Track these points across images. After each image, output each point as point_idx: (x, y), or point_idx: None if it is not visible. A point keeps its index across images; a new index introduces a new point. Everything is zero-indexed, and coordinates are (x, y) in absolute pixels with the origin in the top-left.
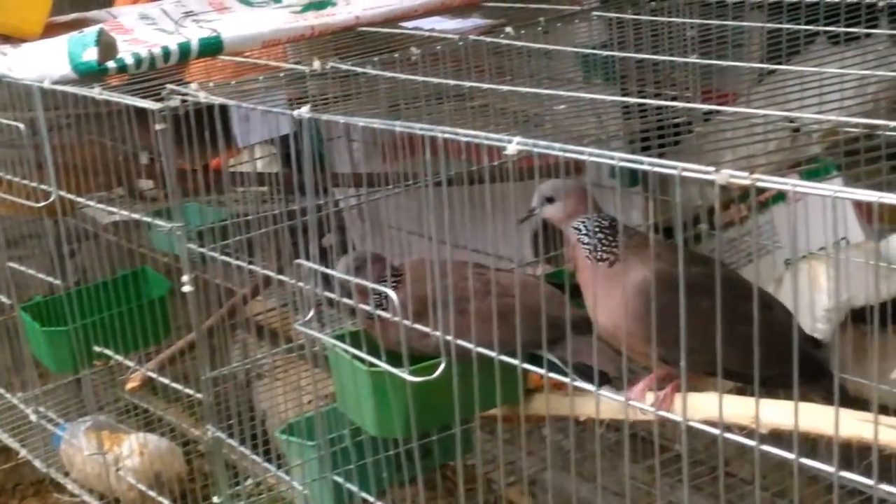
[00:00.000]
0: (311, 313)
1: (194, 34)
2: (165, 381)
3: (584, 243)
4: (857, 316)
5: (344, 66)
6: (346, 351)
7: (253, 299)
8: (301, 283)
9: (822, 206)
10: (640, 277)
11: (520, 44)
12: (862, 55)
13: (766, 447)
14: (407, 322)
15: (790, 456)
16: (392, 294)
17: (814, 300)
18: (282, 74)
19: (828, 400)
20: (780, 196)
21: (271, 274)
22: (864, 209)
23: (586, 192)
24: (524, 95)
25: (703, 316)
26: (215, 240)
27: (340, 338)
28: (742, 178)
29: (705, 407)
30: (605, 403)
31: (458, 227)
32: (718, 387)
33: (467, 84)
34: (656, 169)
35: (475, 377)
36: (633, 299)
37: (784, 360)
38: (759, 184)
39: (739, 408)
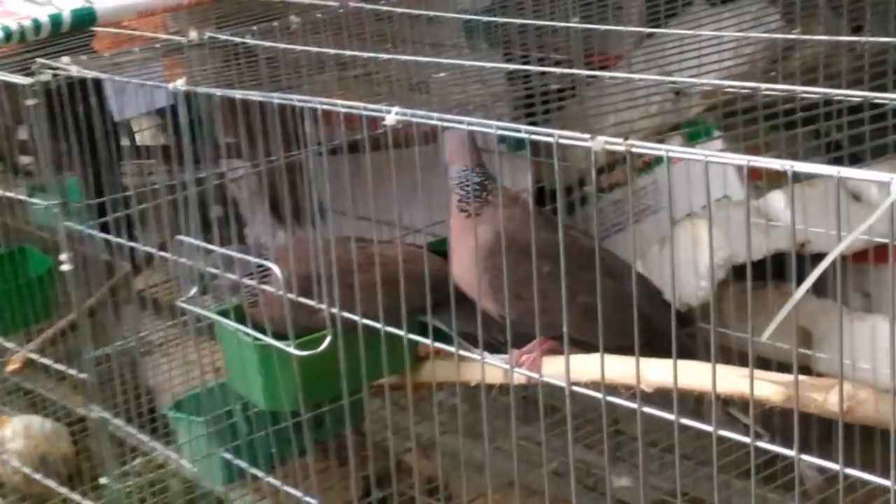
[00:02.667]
0: (194, 290)
1: (66, 4)
2: (47, 361)
3: (455, 191)
4: (740, 273)
5: (222, 36)
6: (232, 325)
7: (140, 274)
8: (182, 259)
9: (703, 167)
10: (488, 232)
11: (400, 10)
12: (739, 16)
13: (648, 409)
14: (291, 295)
15: (670, 417)
16: (275, 268)
17: (696, 258)
18: (158, 45)
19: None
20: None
21: (151, 251)
22: (744, 168)
23: (468, 143)
24: (405, 63)
25: (543, 279)
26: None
27: (225, 313)
28: (617, 145)
29: (590, 368)
30: (490, 369)
31: (347, 196)
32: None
33: (347, 53)
34: (534, 137)
35: (361, 347)
36: (476, 252)
37: (627, 334)
38: (634, 149)
39: (622, 367)
